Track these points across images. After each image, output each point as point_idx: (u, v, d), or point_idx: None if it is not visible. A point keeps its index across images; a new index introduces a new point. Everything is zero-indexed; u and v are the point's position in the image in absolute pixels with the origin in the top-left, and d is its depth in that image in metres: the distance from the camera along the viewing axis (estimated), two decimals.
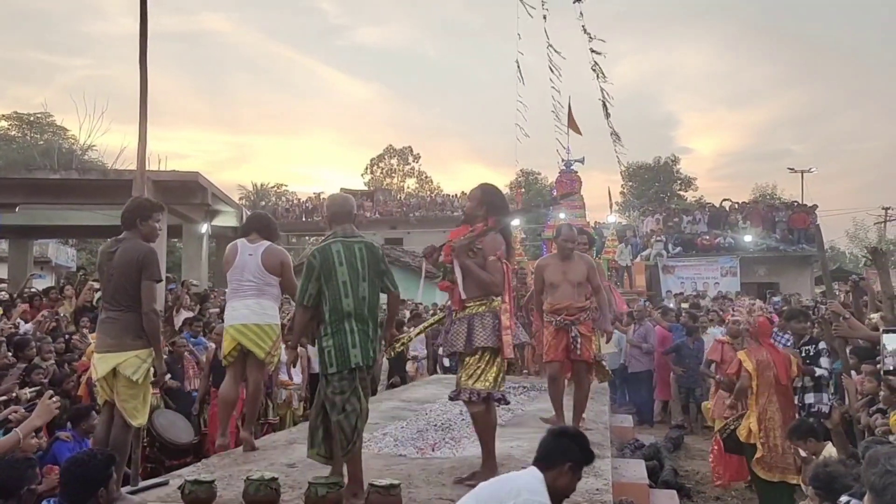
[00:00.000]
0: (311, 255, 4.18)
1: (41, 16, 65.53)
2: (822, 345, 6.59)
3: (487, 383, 4.22)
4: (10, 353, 6.65)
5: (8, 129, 35.26)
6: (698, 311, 12.82)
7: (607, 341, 6.21)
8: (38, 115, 35.19)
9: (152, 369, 4.40)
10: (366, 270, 4.10)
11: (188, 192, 13.35)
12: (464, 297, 4.29)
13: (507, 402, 4.53)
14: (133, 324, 4.33)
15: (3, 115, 35.52)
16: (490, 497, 2.99)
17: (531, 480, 3.00)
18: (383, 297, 4.29)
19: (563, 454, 3.08)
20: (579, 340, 5.63)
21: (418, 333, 6.45)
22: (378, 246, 4.28)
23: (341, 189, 37.97)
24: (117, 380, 4.31)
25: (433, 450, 5.35)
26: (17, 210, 15.03)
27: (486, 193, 4.51)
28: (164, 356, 5.31)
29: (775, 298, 17.88)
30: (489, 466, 4.22)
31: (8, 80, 64.15)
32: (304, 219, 33.62)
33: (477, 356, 4.25)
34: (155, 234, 4.58)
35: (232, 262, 5.25)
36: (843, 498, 2.97)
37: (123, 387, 4.30)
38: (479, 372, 4.24)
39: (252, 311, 5.19)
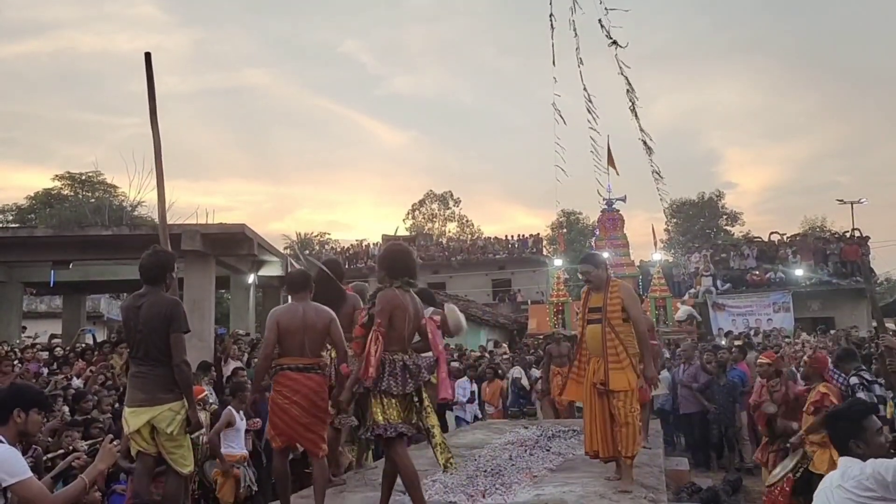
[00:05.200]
0: None
1: (91, 77, 68.51)
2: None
3: None
4: (66, 409, 6.78)
5: (61, 188, 36.43)
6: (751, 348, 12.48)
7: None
8: (90, 174, 36.34)
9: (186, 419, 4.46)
10: None
11: (235, 244, 13.57)
12: None
13: None
14: (164, 378, 4.38)
15: (57, 176, 36.81)
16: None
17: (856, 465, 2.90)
18: None
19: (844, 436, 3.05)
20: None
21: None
22: None
23: (382, 236, 38.33)
24: (159, 434, 4.37)
25: (484, 496, 5.27)
26: (70, 266, 15.47)
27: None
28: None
29: (831, 332, 17.37)
30: None
31: (60, 141, 66.87)
32: (347, 266, 33.96)
33: None
34: (173, 285, 4.71)
35: None
36: None
37: (166, 440, 4.38)
38: None
39: None
